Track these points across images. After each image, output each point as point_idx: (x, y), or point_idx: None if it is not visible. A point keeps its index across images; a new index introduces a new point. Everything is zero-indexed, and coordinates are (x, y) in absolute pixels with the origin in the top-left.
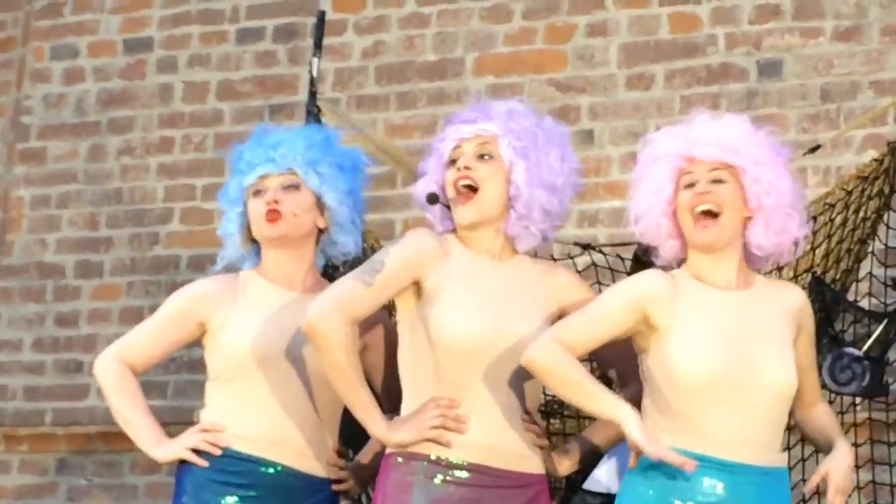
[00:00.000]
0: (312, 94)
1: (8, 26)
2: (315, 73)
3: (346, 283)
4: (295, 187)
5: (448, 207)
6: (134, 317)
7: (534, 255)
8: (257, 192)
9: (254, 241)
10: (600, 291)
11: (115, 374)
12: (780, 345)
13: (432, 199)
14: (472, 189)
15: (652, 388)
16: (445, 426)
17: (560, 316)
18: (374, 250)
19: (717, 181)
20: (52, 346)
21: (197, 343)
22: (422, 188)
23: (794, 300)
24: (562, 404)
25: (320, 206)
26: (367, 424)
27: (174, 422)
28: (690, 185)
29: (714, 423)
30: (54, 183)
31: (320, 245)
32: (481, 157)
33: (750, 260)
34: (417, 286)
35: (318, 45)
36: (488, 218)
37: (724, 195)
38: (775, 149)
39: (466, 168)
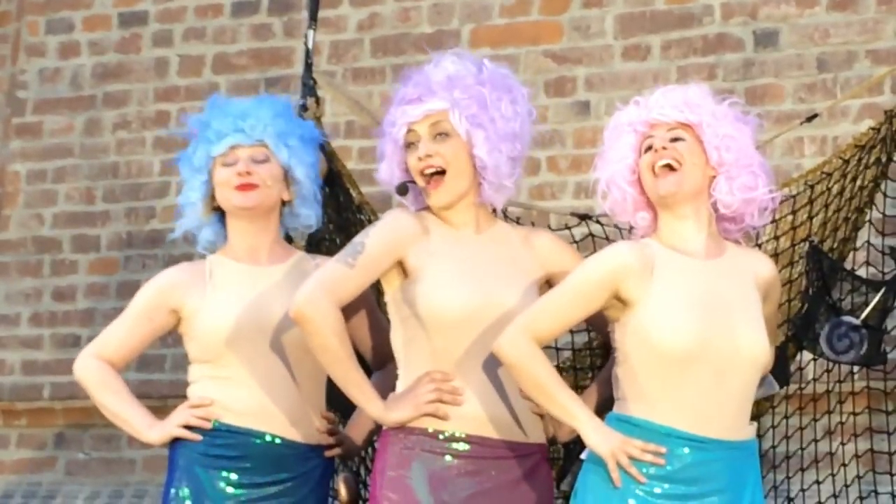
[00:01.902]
0: (308, 67)
1: (2, 0)
2: (311, 46)
3: (330, 266)
4: (265, 160)
5: (415, 184)
6: (131, 291)
7: (514, 219)
8: (226, 163)
9: (215, 211)
10: None
11: (95, 372)
12: (753, 313)
13: (402, 190)
14: (440, 172)
15: (623, 359)
16: (441, 399)
17: (547, 280)
18: (370, 222)
19: (676, 139)
20: (49, 320)
21: (176, 329)
22: (385, 174)
23: (764, 270)
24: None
25: (287, 179)
26: (363, 406)
27: (173, 395)
28: (651, 148)
29: (686, 395)
30: (50, 157)
31: (281, 218)
32: (437, 136)
33: (724, 230)
34: (401, 266)
35: (313, 18)
36: (460, 195)
37: (683, 151)
38: (739, 117)
39: (428, 156)
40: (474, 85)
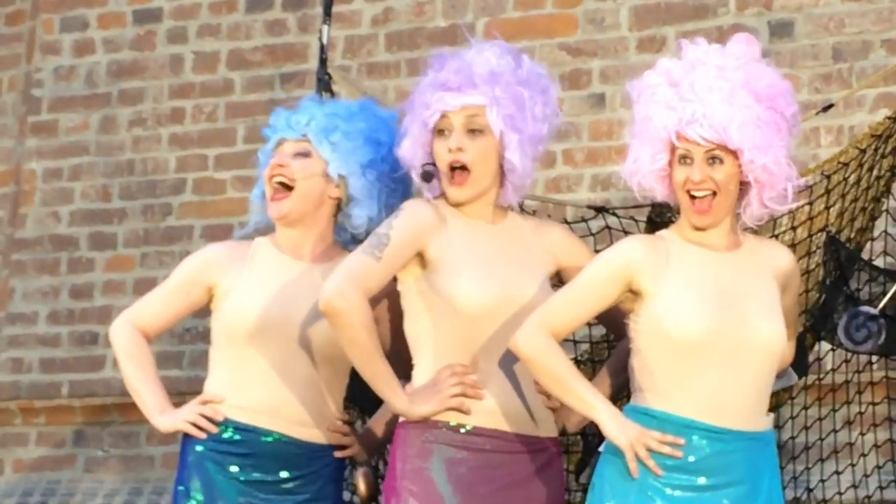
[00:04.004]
0: (323, 62)
1: None
2: (325, 41)
3: (357, 258)
4: (305, 154)
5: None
6: (148, 288)
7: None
8: (273, 157)
9: None
10: None
11: (127, 341)
12: (770, 304)
13: (427, 177)
14: (465, 168)
15: (638, 350)
16: (465, 393)
17: (558, 273)
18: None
19: (714, 160)
20: (67, 318)
21: (207, 310)
22: (407, 152)
23: (782, 260)
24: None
25: (336, 176)
26: (388, 399)
27: (190, 391)
28: (686, 158)
29: (702, 386)
30: (66, 155)
31: (340, 218)
32: (470, 130)
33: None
34: (420, 256)
35: (327, 13)
36: (480, 193)
37: (719, 177)
38: (775, 101)
39: (459, 149)
40: (514, 83)
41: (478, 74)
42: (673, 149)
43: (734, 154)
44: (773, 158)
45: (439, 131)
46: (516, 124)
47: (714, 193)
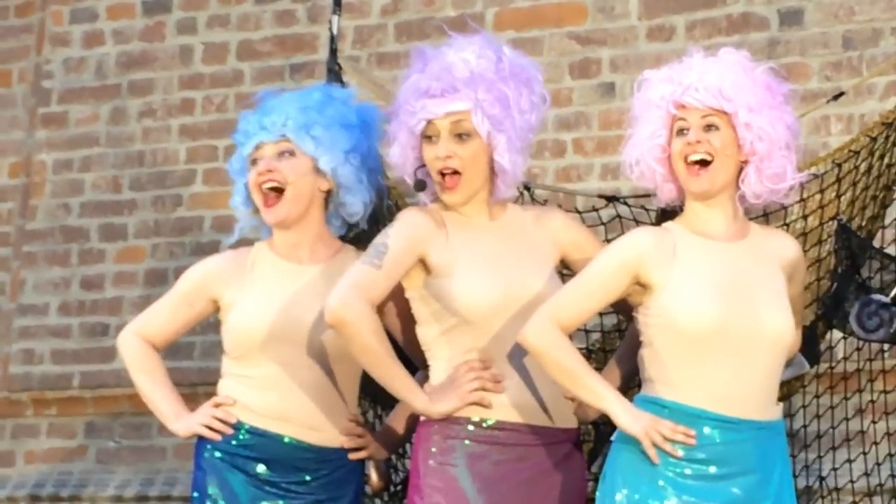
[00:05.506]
0: (333, 53)
1: None
2: (335, 32)
3: (358, 269)
4: (290, 153)
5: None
6: (158, 279)
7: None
8: (254, 162)
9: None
10: None
11: (135, 352)
12: (777, 293)
13: (420, 186)
14: (456, 172)
15: (648, 342)
16: (485, 388)
17: (562, 260)
18: (398, 207)
19: (710, 127)
20: (77, 309)
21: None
22: (398, 158)
23: (787, 250)
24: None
25: (320, 169)
26: (408, 401)
27: (202, 382)
28: (683, 132)
29: (712, 376)
30: (76, 147)
31: (331, 208)
32: (458, 135)
33: (749, 206)
34: (423, 263)
35: (337, 3)
36: (474, 194)
37: (716, 143)
38: (772, 88)
39: (447, 157)
40: (497, 82)
41: (459, 78)
42: (671, 125)
43: (730, 120)
44: (769, 121)
45: (427, 136)
46: (503, 124)
47: (709, 163)
